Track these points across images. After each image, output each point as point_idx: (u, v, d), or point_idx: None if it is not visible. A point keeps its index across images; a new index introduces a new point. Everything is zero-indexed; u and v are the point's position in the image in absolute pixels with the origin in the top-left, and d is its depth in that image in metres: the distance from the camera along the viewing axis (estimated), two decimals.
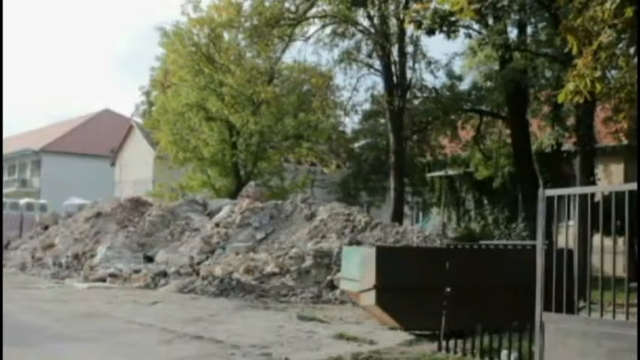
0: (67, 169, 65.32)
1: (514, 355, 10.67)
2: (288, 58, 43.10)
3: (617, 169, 32.89)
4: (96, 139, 67.76)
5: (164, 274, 22.87)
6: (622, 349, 8.68)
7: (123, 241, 26.99)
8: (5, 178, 68.61)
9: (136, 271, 23.89)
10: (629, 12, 13.77)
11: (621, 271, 11.09)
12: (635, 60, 18.06)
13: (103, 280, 23.78)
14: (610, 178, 32.07)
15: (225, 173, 40.81)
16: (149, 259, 25.84)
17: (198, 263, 24.02)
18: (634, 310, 9.29)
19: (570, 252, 10.46)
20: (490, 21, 29.51)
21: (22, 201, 48.65)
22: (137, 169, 54.34)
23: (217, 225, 27.00)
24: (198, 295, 20.11)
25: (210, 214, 29.33)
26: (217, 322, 15.15)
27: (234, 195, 36.43)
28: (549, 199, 10.06)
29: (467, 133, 39.21)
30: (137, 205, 31.72)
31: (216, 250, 25.10)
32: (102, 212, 30.87)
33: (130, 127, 59.80)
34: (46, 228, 34.28)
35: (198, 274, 22.59)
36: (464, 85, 38.42)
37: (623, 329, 8.86)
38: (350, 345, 12.71)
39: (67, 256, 27.26)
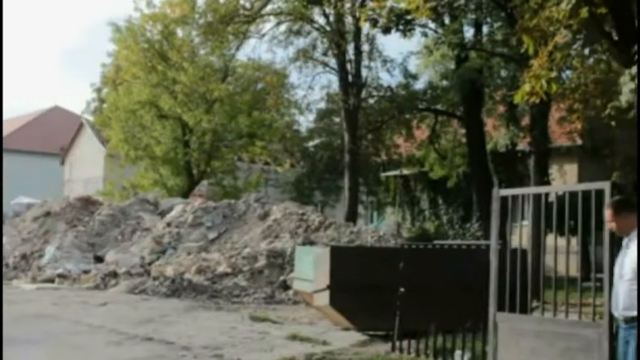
0: (15, 168, 64.27)
1: (467, 355, 10.74)
2: (242, 55, 43.05)
3: (571, 169, 33.27)
4: (45, 137, 66.82)
5: (114, 275, 22.69)
6: (575, 348, 8.77)
7: (72, 241, 26.71)
8: None
9: (86, 272, 23.67)
10: (584, 13, 13.93)
11: (574, 270, 11.21)
12: (591, 60, 18.30)
13: (52, 280, 23.51)
14: (564, 178, 32.41)
15: (178, 172, 40.53)
16: (99, 260, 25.61)
17: (149, 263, 23.87)
18: (587, 309, 9.40)
19: (524, 252, 10.55)
20: (446, 20, 29.68)
21: None
22: (87, 168, 53.82)
23: (169, 224, 26.85)
24: (149, 296, 19.97)
25: (162, 214, 29.16)
26: (168, 323, 15.07)
27: (186, 194, 36.27)
28: (503, 199, 10.13)
29: (422, 133, 39.39)
30: (87, 204, 31.43)
31: (168, 250, 24.96)
32: (51, 212, 30.51)
33: (81, 124, 59.09)
34: None
35: (149, 274, 22.46)
36: (419, 84, 38.61)
37: (575, 329, 8.96)
38: (303, 346, 12.72)
39: (14, 257, 26.90)
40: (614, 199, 7.55)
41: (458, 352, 10.96)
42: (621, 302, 7.11)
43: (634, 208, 7.50)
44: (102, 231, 27.84)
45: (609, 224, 7.40)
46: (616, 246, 7.87)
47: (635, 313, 6.93)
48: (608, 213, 7.28)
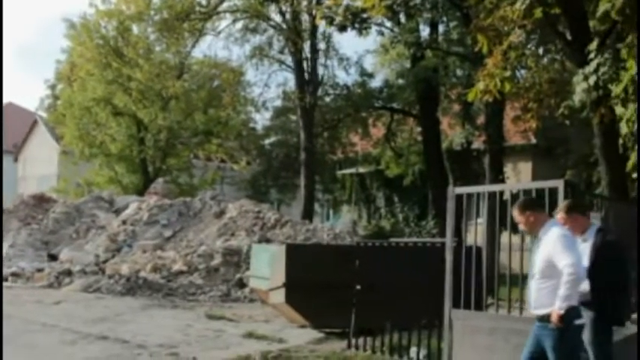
0: None
1: (423, 352, 10.78)
2: (198, 52, 43.07)
3: (526, 168, 33.54)
4: None
5: (68, 273, 22.45)
6: None
7: (26, 239, 26.41)
8: None
9: (39, 270, 23.39)
10: (538, 13, 14.06)
11: (528, 268, 11.28)
12: (545, 60, 18.46)
13: (5, 279, 23.21)
14: (519, 177, 32.64)
15: (133, 169, 40.31)
16: (53, 258, 25.35)
17: (104, 262, 23.68)
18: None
19: (479, 249, 10.63)
20: (402, 19, 29.83)
21: None
22: (41, 165, 53.29)
23: (124, 222, 26.67)
24: (103, 295, 19.79)
25: (117, 212, 28.94)
26: (123, 321, 14.96)
27: (141, 192, 36.02)
28: (459, 197, 10.20)
29: (378, 131, 39.48)
30: (41, 201, 31.08)
31: (123, 248, 24.78)
32: (4, 209, 30.14)
33: (34, 121, 58.60)
34: None
35: (103, 272, 22.27)
36: (375, 83, 38.71)
37: (530, 325, 9.01)
38: (259, 344, 12.70)
39: None
40: (522, 199, 7.66)
41: (413, 350, 11.00)
42: (533, 300, 7.19)
43: (541, 208, 7.65)
44: (56, 229, 27.55)
45: (519, 225, 7.50)
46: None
47: (544, 311, 7.00)
48: (515, 213, 7.38)
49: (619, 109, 15.99)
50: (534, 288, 7.20)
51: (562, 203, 7.73)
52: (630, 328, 9.09)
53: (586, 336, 7.61)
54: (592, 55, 13.87)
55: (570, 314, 6.92)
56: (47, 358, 11.12)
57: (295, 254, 14.14)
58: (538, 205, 7.67)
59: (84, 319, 15.07)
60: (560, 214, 7.98)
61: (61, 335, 13.25)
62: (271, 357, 11.29)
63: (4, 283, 22.50)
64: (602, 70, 13.73)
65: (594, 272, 7.65)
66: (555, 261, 6.94)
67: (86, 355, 11.24)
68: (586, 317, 7.51)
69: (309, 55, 35.51)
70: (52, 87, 51.46)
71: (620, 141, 17.40)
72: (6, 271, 23.59)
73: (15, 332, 13.44)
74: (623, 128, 16.32)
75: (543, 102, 18.79)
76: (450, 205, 10.15)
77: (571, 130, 27.76)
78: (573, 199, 8.21)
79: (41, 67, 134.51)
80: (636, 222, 10.09)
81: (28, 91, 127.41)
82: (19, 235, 26.97)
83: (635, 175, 18.19)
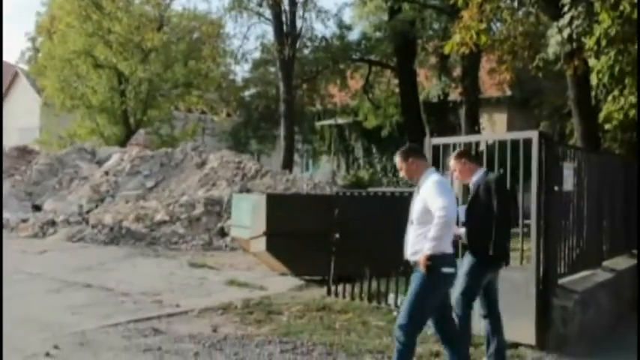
0: None
1: (401, 298, 10.90)
2: (177, 5, 42.85)
3: (501, 119, 33.69)
4: None
5: (52, 223, 22.43)
6: (504, 290, 8.94)
7: (9, 190, 26.31)
8: None
9: (24, 220, 23.34)
10: None
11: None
12: (520, 13, 18.45)
13: None
14: (493, 128, 32.82)
15: (115, 121, 40.10)
16: (37, 208, 25.29)
17: (88, 212, 23.64)
18: (515, 254, 9.59)
19: (455, 199, 10.70)
20: None
21: None
22: (23, 117, 52.86)
23: (107, 173, 26.60)
24: (87, 244, 19.82)
25: (100, 163, 28.84)
26: (107, 270, 15.02)
27: (123, 143, 35.90)
28: (435, 148, 10.27)
29: (356, 83, 39.49)
30: (23, 153, 30.91)
31: (106, 198, 24.75)
32: None
33: (15, 73, 58.11)
34: None
35: (87, 222, 22.25)
36: (353, 35, 38.64)
37: (504, 272, 9.13)
38: (241, 291, 12.81)
39: None
40: (404, 147, 7.70)
41: (391, 296, 11.12)
42: (409, 247, 7.18)
43: (423, 156, 7.65)
44: (39, 180, 27.45)
45: (400, 171, 7.55)
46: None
47: (418, 257, 7.00)
48: (397, 160, 7.40)
49: (592, 62, 16.10)
50: (411, 235, 7.17)
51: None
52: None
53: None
54: (566, 9, 13.91)
55: (439, 260, 6.87)
56: (33, 306, 11.15)
57: (275, 203, 14.20)
58: (420, 152, 7.65)
59: (69, 268, 15.10)
60: (451, 160, 8.25)
61: (46, 284, 13.30)
62: (253, 304, 11.39)
63: None
64: (576, 23, 13.78)
65: (469, 213, 7.85)
66: (429, 206, 6.92)
67: (71, 303, 11.28)
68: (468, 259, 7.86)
69: (287, 8, 35.19)
70: (33, 40, 50.95)
71: (593, 93, 17.53)
72: None
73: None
74: (594, 80, 16.44)
75: (518, 54, 18.86)
76: (427, 156, 10.21)
77: (545, 83, 27.89)
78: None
79: (21, 19, 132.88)
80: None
81: (8, 44, 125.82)
82: (3, 186, 26.85)
83: (607, 127, 18.37)
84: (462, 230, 7.95)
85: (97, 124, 40.49)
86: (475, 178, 8.14)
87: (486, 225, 7.83)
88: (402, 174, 7.47)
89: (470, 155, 8.56)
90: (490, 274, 7.99)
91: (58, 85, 39.60)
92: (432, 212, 6.87)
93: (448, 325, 7.28)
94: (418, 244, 7.00)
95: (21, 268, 15.06)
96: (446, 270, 6.93)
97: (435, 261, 6.84)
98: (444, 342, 7.30)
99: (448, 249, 6.97)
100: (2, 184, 25.98)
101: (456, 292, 7.78)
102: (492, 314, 7.92)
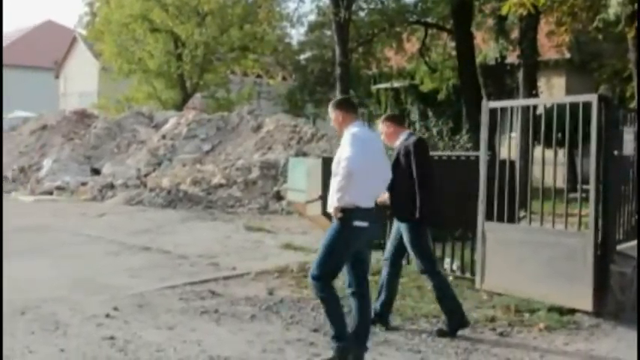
0: (10, 82, 63.69)
1: (457, 263, 10.87)
2: None
3: (559, 83, 33.18)
4: (39, 51, 66.14)
5: (111, 187, 22.73)
6: (560, 256, 8.90)
7: (69, 154, 26.69)
8: None
9: (83, 184, 23.69)
10: None
11: (561, 182, 11.29)
12: None
13: (50, 193, 23.55)
14: (552, 91, 32.35)
15: (171, 85, 40.42)
16: (96, 172, 25.62)
17: (145, 175, 23.89)
18: (572, 220, 9.50)
19: (512, 163, 10.61)
20: None
21: None
22: (82, 81, 53.49)
23: (164, 137, 26.82)
24: (145, 207, 20.06)
25: (157, 127, 29.08)
26: (165, 233, 15.19)
27: (180, 107, 36.13)
28: (492, 112, 10.14)
29: (412, 46, 39.11)
30: (83, 117, 31.33)
31: (163, 162, 24.97)
32: (47, 125, 30.41)
33: (74, 38, 58.59)
34: None
35: (145, 186, 22.51)
36: None
37: (561, 238, 9.07)
38: (297, 254, 12.85)
39: (12, 170, 26.89)
40: (336, 98, 8.18)
41: (447, 260, 11.08)
42: (329, 199, 7.00)
43: (349, 107, 7.43)
44: (98, 144, 27.80)
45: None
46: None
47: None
48: (329, 110, 7.46)
49: None
50: (330, 188, 7.02)
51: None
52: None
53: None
54: None
55: (351, 213, 6.78)
56: (92, 267, 11.33)
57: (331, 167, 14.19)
58: (350, 105, 7.52)
59: (127, 231, 15.30)
60: (380, 124, 8.57)
61: (106, 246, 13.50)
62: (308, 267, 11.42)
63: (49, 197, 22.91)
64: None
65: (392, 178, 7.69)
66: (339, 156, 6.89)
67: (130, 266, 11.45)
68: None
69: None
70: (90, 4, 51.27)
71: None
72: (51, 185, 23.96)
73: (62, 244, 13.74)
74: None
75: (577, 16, 18.51)
76: (484, 120, 10.10)
77: (605, 45, 27.38)
78: (391, 113, 8.70)
79: None
80: None
81: (66, 9, 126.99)
82: (63, 150, 27.26)
83: None
84: (387, 195, 8.00)
85: (154, 88, 40.86)
86: (398, 142, 8.34)
87: (408, 189, 8.02)
88: (332, 124, 7.50)
89: (395, 119, 8.83)
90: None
91: (115, 49, 39.96)
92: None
93: (359, 281, 7.14)
94: (333, 196, 6.89)
95: (81, 231, 15.31)
96: (358, 223, 6.81)
97: (348, 214, 6.77)
98: (352, 295, 7.14)
99: (363, 203, 6.84)
100: (2, 165, 26.27)
101: (416, 261, 8.34)
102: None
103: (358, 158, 6.72)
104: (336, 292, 7.03)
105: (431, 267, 8.23)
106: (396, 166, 8.01)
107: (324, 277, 6.92)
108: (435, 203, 8.26)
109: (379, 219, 7.41)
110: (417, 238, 8.18)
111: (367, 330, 7.10)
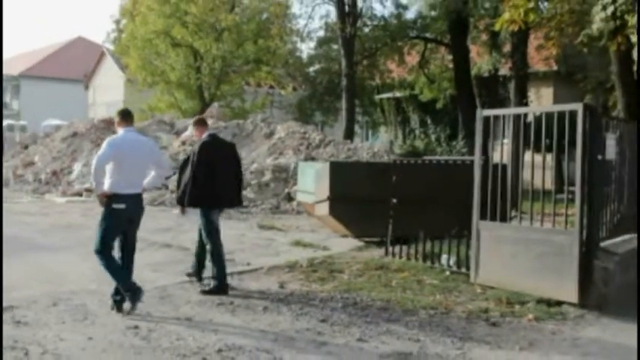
0: (45, 93, 64.16)
1: (453, 258, 10.86)
2: None
3: (547, 92, 33.16)
4: (70, 65, 66.52)
5: None
6: (548, 253, 8.90)
7: None
8: None
9: None
10: None
11: (549, 184, 11.27)
12: None
13: (80, 194, 23.60)
14: (540, 101, 32.35)
15: (191, 95, 40.51)
16: None
17: (167, 178, 23.86)
18: (560, 219, 9.50)
19: (504, 167, 10.61)
20: None
21: (4, 123, 47.84)
22: (109, 92, 53.72)
23: (184, 143, 26.82)
24: (167, 207, 20.08)
25: (177, 133, 29.12)
26: (184, 231, 15.16)
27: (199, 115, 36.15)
28: (486, 119, 10.15)
29: (412, 59, 39.21)
30: (109, 125, 31.24)
31: None
32: (77, 132, 30.43)
33: (102, 53, 58.96)
34: (26, 147, 33.77)
35: (167, 187, 22.50)
36: (410, 14, 38.39)
37: (549, 236, 9.08)
38: (306, 251, 12.87)
39: (46, 173, 26.95)
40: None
41: (444, 256, 11.08)
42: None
43: (123, 117, 9.04)
44: None
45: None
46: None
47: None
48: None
49: (634, 38, 15.72)
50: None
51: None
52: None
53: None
54: None
55: (111, 198, 8.12)
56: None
57: (338, 171, 14.18)
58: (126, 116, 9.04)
59: (149, 229, 15.24)
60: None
61: None
62: (317, 263, 11.45)
63: (79, 198, 22.95)
64: (620, 1, 13.48)
65: (179, 170, 9.52)
66: None
67: (152, 261, 11.47)
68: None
69: None
70: (117, 22, 51.57)
71: (635, 67, 17.14)
72: (80, 187, 24.01)
73: (91, 240, 13.71)
74: (637, 55, 16.07)
75: (564, 31, 18.53)
76: (479, 127, 10.11)
77: (590, 58, 27.37)
78: (199, 117, 10.37)
79: (106, 3, 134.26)
80: None
81: (95, 26, 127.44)
82: (92, 155, 27.20)
83: None
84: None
85: (175, 98, 40.99)
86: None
87: (185, 180, 9.39)
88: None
89: (200, 123, 9.97)
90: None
91: (139, 62, 40.11)
92: None
93: (122, 255, 8.49)
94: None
95: None
96: (115, 206, 8.15)
97: (109, 199, 8.13)
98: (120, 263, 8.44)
99: (122, 190, 8.15)
100: (2, 172, 26.28)
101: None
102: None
103: (100, 157, 8.18)
104: (114, 258, 8.32)
105: (214, 239, 9.41)
106: (184, 162, 9.65)
107: (100, 248, 8.21)
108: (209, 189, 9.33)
109: (137, 202, 8.50)
110: (205, 216, 9.48)
111: (127, 280, 8.29)
